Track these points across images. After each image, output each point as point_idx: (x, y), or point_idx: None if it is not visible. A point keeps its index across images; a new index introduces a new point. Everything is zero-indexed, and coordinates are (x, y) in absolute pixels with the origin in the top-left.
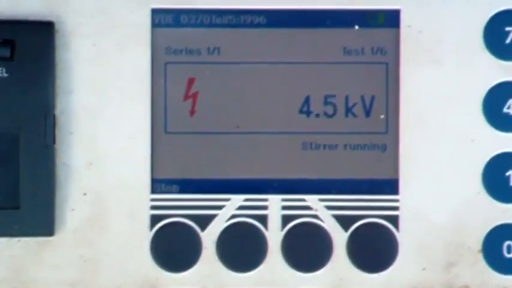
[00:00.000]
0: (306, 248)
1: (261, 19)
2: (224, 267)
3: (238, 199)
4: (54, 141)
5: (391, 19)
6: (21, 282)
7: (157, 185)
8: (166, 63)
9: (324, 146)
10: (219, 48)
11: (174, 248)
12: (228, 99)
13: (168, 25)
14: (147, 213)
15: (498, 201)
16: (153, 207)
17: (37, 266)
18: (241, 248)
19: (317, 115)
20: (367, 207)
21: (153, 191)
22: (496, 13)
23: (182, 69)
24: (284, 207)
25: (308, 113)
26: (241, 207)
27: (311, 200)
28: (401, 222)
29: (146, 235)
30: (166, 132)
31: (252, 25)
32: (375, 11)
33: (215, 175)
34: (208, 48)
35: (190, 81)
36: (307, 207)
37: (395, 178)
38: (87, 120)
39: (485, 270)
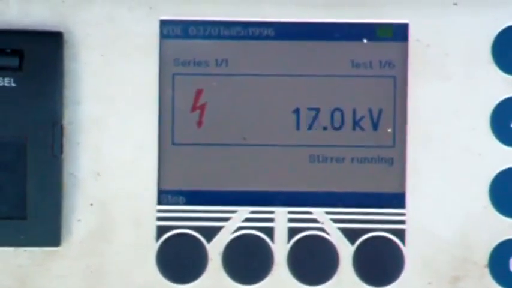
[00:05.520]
0: (312, 261)
1: (269, 31)
2: (230, 279)
3: (244, 211)
4: (61, 152)
5: (399, 33)
6: None
7: (164, 196)
8: (174, 75)
9: (331, 159)
10: (227, 60)
11: (180, 259)
12: (236, 111)
13: (176, 36)
14: (153, 224)
15: (505, 216)
16: (160, 219)
17: (43, 276)
18: (247, 260)
19: (324, 128)
20: (374, 220)
21: (159, 202)
22: (505, 28)
23: (190, 81)
24: (290, 220)
25: (315, 125)
26: (247, 219)
27: (317, 212)
28: (408, 236)
29: (152, 246)
30: (173, 143)
31: (260, 37)
32: (383, 24)
33: (222, 187)
34: (217, 60)
35: (198, 93)
36: (314, 220)
37: (402, 192)
38: (94, 131)
39: (491, 286)
